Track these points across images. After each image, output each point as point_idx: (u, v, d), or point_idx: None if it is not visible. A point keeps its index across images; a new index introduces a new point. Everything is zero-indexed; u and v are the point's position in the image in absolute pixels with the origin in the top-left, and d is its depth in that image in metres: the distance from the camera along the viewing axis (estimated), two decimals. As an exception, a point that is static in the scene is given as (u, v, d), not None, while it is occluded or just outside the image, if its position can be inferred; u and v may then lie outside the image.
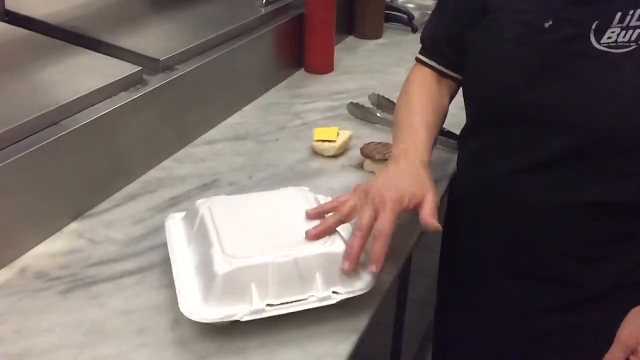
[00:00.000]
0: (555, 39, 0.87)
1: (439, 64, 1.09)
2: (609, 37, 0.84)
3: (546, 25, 0.87)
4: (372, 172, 1.19)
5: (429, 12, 2.07)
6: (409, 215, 1.07)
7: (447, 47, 1.06)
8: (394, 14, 1.98)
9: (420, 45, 1.14)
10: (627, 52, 0.84)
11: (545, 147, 0.91)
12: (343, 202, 0.88)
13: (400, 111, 1.08)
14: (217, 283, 0.79)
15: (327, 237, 0.85)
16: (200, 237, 0.87)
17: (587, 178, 0.90)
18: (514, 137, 0.93)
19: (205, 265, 0.82)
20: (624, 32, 0.83)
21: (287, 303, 0.81)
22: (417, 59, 1.13)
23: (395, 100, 1.39)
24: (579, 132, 0.87)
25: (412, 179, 0.91)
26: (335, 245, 0.83)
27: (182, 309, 0.79)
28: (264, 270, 0.80)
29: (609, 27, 0.84)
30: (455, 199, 1.17)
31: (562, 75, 0.87)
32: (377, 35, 1.90)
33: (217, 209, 0.89)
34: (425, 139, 0.99)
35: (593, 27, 0.84)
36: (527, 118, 0.92)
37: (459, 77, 1.07)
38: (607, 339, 0.85)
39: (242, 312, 0.79)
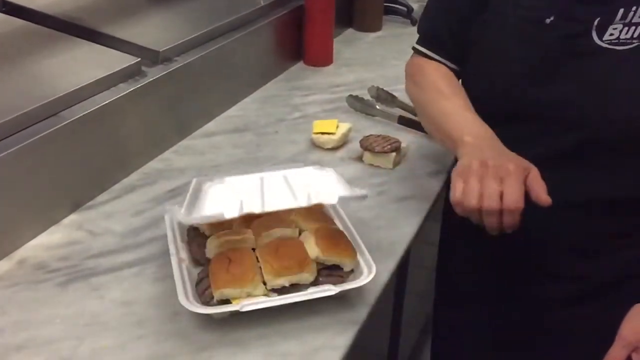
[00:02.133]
0: (556, 36, 0.86)
1: (442, 57, 1.06)
2: (612, 34, 0.84)
3: (547, 21, 0.87)
4: (371, 164, 1.19)
5: (428, 4, 2.07)
6: (408, 208, 1.08)
7: (449, 42, 1.04)
8: (393, 7, 1.97)
9: (418, 36, 1.10)
10: (630, 49, 0.83)
11: (546, 145, 0.91)
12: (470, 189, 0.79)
13: (440, 103, 1.00)
14: (205, 195, 0.79)
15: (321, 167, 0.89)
16: (194, 192, 0.86)
17: (589, 175, 0.90)
18: (515, 133, 0.93)
19: (195, 195, 0.83)
20: (626, 28, 0.83)
21: (286, 294, 0.81)
22: (420, 52, 1.09)
23: (394, 93, 1.40)
24: (581, 130, 0.87)
25: (513, 155, 0.85)
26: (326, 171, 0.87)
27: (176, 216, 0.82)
28: (253, 183, 0.82)
29: (611, 23, 0.83)
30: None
31: (564, 73, 0.87)
32: (376, 27, 1.90)
33: (213, 176, 0.90)
34: (486, 125, 0.93)
35: (595, 23, 0.84)
36: (528, 115, 0.92)
37: (458, 68, 1.06)
38: (609, 332, 0.85)
39: (230, 213, 0.79)
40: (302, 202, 0.81)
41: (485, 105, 0.99)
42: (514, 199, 0.76)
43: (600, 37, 0.84)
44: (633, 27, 0.83)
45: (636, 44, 0.83)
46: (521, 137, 0.92)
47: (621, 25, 0.83)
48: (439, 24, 1.05)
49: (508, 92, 0.93)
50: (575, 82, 0.86)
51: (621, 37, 0.83)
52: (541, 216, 0.93)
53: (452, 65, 1.05)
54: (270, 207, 0.81)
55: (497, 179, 0.77)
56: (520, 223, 0.79)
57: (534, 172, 0.81)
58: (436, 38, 1.06)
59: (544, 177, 0.90)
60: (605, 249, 0.93)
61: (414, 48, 1.10)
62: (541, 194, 0.78)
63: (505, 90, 0.93)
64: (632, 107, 0.84)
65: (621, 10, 0.83)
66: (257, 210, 0.80)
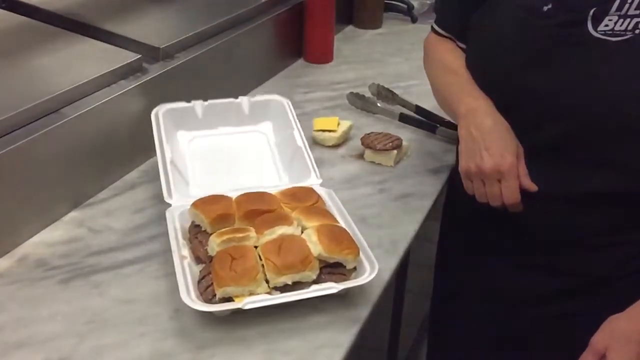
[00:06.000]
0: (552, 24, 0.87)
1: (452, 35, 1.10)
2: (606, 25, 0.84)
3: (545, 9, 0.87)
4: (372, 162, 1.19)
5: (428, 2, 2.06)
6: (409, 206, 1.08)
7: (458, 23, 1.06)
8: (394, 4, 1.97)
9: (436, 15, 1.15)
10: (623, 40, 0.84)
11: (539, 134, 0.92)
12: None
13: (445, 77, 1.07)
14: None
15: None
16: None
17: (581, 167, 0.91)
18: (510, 124, 0.94)
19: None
20: (621, 20, 0.84)
21: (288, 292, 0.81)
22: (434, 29, 1.13)
23: (395, 90, 1.40)
24: (571, 119, 0.88)
25: (504, 135, 0.92)
26: None
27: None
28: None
29: (607, 14, 0.84)
30: (455, 189, 1.17)
31: (557, 61, 0.88)
32: (376, 25, 1.89)
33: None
34: (485, 96, 0.98)
35: (590, 13, 0.85)
36: (521, 104, 0.93)
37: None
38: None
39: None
40: None
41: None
42: (511, 196, 0.91)
43: (595, 28, 0.85)
44: (628, 19, 0.83)
45: (629, 36, 0.84)
46: (514, 127, 0.94)
47: (616, 17, 0.84)
48: (449, 4, 1.10)
49: (500, 80, 0.95)
50: (567, 71, 0.87)
51: (615, 28, 0.84)
52: (540, 208, 0.94)
53: (461, 44, 1.08)
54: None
55: (496, 183, 0.91)
56: (524, 205, 0.92)
57: (522, 165, 0.91)
58: (447, 18, 1.11)
59: (538, 167, 0.92)
60: (603, 243, 0.94)
61: (432, 25, 1.15)
62: (526, 185, 0.91)
63: (497, 78, 0.95)
64: (620, 98, 0.85)
65: (617, 2, 0.84)
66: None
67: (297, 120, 1.14)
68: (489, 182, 0.91)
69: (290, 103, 1.18)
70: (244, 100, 1.16)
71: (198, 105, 1.13)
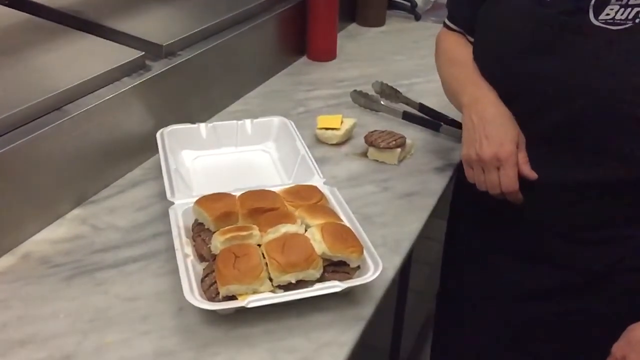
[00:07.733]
0: (554, 12, 0.88)
1: (462, 29, 1.13)
2: (607, 14, 0.85)
3: None
4: (376, 160, 1.18)
5: (432, 0, 2.06)
6: (413, 204, 1.08)
7: (467, 17, 1.08)
8: (397, 1, 1.96)
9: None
10: (623, 29, 0.84)
11: (541, 123, 0.93)
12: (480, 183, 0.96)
13: (451, 69, 1.10)
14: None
15: None
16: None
17: (583, 155, 0.91)
18: (513, 113, 0.95)
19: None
20: (622, 9, 0.84)
21: (292, 290, 0.81)
22: (446, 24, 1.17)
23: (398, 88, 1.40)
24: (572, 107, 0.88)
25: (505, 123, 0.94)
26: None
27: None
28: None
29: (608, 3, 0.85)
30: (460, 185, 1.17)
31: (556, 49, 0.88)
32: (380, 22, 1.89)
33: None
34: (489, 85, 1.00)
35: (592, 2, 0.85)
36: (524, 92, 0.94)
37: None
38: (603, 323, 0.89)
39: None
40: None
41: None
42: (509, 184, 0.92)
43: (597, 17, 0.85)
44: (629, 9, 0.84)
45: (630, 25, 0.84)
46: (517, 115, 0.95)
47: (617, 6, 0.84)
48: (457, 11, 1.13)
49: (501, 68, 0.96)
50: (568, 59, 0.88)
51: (616, 17, 0.85)
52: (542, 200, 0.95)
53: (471, 38, 1.10)
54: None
55: (495, 171, 0.93)
56: (526, 196, 0.94)
57: (522, 153, 0.93)
58: (457, 12, 1.13)
59: (538, 157, 0.94)
60: (603, 237, 0.94)
61: (444, 21, 1.18)
62: (529, 174, 0.93)
63: (503, 66, 0.96)
64: (619, 86, 0.85)
65: None
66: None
67: (299, 136, 1.16)
68: (488, 170, 0.93)
69: (292, 123, 1.20)
70: (246, 122, 1.20)
71: (202, 126, 1.18)
